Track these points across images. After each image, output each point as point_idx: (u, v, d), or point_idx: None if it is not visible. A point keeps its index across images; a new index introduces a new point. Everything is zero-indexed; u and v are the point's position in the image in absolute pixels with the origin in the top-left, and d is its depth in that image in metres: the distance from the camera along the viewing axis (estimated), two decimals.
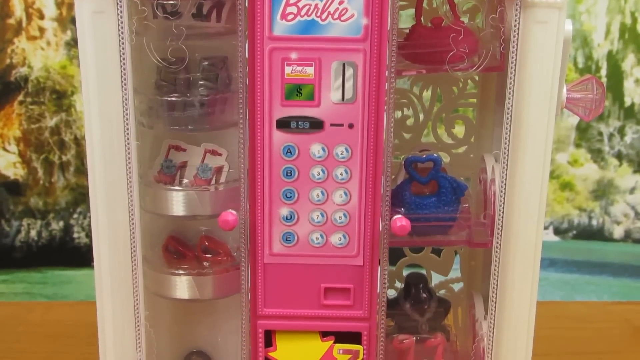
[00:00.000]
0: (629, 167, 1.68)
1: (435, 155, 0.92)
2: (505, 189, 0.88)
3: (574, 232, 1.71)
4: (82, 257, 1.65)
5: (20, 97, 1.60)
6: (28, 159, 1.62)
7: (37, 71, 1.59)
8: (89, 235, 0.90)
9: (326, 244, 0.89)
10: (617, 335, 1.47)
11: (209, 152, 0.95)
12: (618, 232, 1.71)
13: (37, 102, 1.60)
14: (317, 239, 0.88)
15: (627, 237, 1.72)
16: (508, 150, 0.87)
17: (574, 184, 1.69)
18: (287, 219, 0.88)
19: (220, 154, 0.95)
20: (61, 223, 1.65)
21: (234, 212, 0.87)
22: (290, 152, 0.86)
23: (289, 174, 0.87)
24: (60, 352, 1.35)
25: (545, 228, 1.45)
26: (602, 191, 1.69)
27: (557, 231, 1.71)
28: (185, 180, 0.95)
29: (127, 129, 0.87)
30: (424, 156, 0.92)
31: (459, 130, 1.08)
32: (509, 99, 0.86)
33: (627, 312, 1.56)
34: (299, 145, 0.86)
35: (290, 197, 0.87)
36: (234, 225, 0.87)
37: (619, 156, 1.68)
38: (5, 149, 1.62)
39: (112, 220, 0.91)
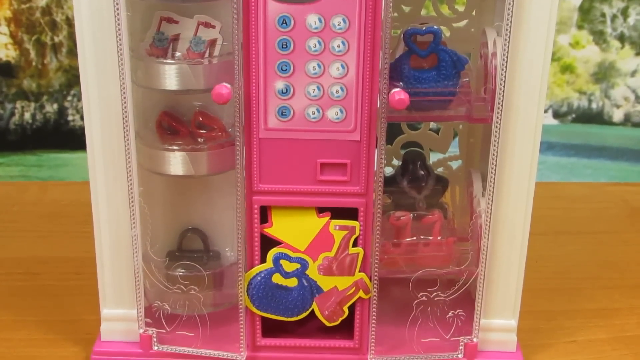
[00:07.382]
0: (631, 50, 1.66)
1: (435, 27, 0.90)
2: (506, 61, 0.86)
3: (573, 115, 1.70)
4: (77, 139, 1.65)
5: None
6: (20, 40, 1.60)
7: None
8: (83, 118, 0.89)
9: (322, 118, 0.87)
10: (614, 216, 1.47)
11: (202, 24, 0.92)
12: (617, 115, 1.70)
13: None
14: (314, 113, 0.87)
15: (627, 120, 1.71)
16: (510, 22, 0.85)
17: (574, 67, 1.67)
18: (282, 92, 0.86)
19: (213, 26, 0.92)
20: (55, 105, 1.64)
21: (228, 85, 0.85)
22: (286, 22, 0.84)
23: (284, 46, 0.84)
24: (56, 230, 1.35)
25: (545, 111, 1.44)
26: (603, 74, 1.68)
27: (557, 114, 1.70)
28: (177, 54, 0.92)
29: None
30: (424, 28, 0.90)
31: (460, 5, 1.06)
32: None
33: (624, 192, 1.57)
34: (295, 16, 0.83)
35: (286, 69, 0.85)
36: (228, 98, 0.85)
37: (622, 38, 1.66)
38: None
39: (104, 95, 0.89)
